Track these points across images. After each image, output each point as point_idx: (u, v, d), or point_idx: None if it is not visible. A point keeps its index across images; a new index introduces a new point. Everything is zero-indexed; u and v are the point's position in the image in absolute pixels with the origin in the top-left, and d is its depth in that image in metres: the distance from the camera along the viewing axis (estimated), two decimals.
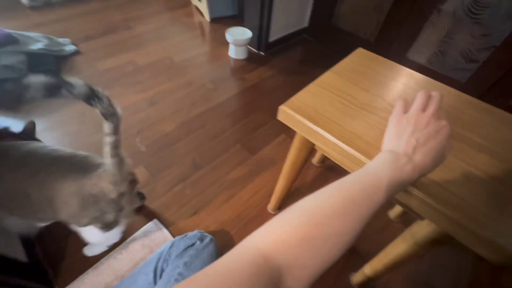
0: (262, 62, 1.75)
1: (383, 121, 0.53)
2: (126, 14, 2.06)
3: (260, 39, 1.75)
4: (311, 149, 0.68)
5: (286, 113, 0.54)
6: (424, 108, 0.39)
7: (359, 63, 0.68)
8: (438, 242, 0.50)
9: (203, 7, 2.05)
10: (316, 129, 0.51)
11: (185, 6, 2.23)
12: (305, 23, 1.96)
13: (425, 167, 0.35)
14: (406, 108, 0.41)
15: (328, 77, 0.62)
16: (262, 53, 1.81)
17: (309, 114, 0.53)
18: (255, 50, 1.84)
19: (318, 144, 0.54)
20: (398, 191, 0.33)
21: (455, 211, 0.40)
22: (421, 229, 0.51)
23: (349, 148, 0.47)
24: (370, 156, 0.46)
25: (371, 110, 0.55)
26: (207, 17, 2.05)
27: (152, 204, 1.00)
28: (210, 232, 0.93)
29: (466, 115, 0.56)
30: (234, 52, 1.72)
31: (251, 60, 1.76)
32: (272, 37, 1.79)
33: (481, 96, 1.36)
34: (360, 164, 0.47)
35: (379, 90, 0.60)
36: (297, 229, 0.27)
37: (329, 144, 0.50)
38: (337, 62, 0.70)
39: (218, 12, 2.05)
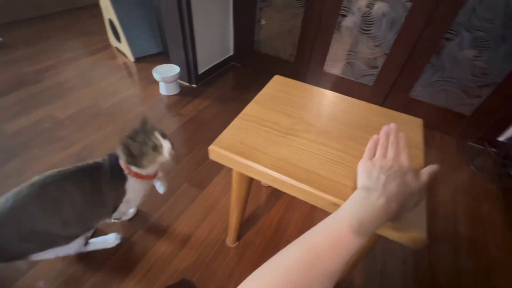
0: (196, 94, 1.76)
1: (306, 141, 0.58)
2: (36, 65, 1.86)
3: (189, 72, 1.77)
4: (250, 180, 0.69)
5: (216, 152, 0.55)
6: (385, 154, 0.43)
7: (278, 89, 0.74)
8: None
9: (125, 48, 1.99)
10: (247, 162, 0.53)
11: (105, 49, 2.14)
12: (231, 51, 2.06)
13: (402, 199, 0.35)
14: (372, 154, 0.44)
15: (251, 109, 0.66)
16: (194, 85, 1.83)
17: (238, 149, 0.55)
18: (186, 84, 1.84)
19: (253, 176, 0.55)
20: (375, 227, 0.32)
21: None
22: None
23: (280, 175, 0.50)
24: (300, 179, 0.49)
25: (294, 133, 0.60)
26: (130, 57, 2.00)
27: (94, 276, 0.87)
28: (169, 287, 0.86)
29: (372, 122, 0.65)
30: (165, 89, 1.70)
31: (184, 93, 1.75)
32: (201, 69, 1.83)
33: (387, 95, 1.62)
34: (293, 188, 0.50)
35: (298, 113, 0.66)
36: None
37: (262, 174, 0.52)
38: (266, 83, 0.75)
39: (141, 51, 2.02)
